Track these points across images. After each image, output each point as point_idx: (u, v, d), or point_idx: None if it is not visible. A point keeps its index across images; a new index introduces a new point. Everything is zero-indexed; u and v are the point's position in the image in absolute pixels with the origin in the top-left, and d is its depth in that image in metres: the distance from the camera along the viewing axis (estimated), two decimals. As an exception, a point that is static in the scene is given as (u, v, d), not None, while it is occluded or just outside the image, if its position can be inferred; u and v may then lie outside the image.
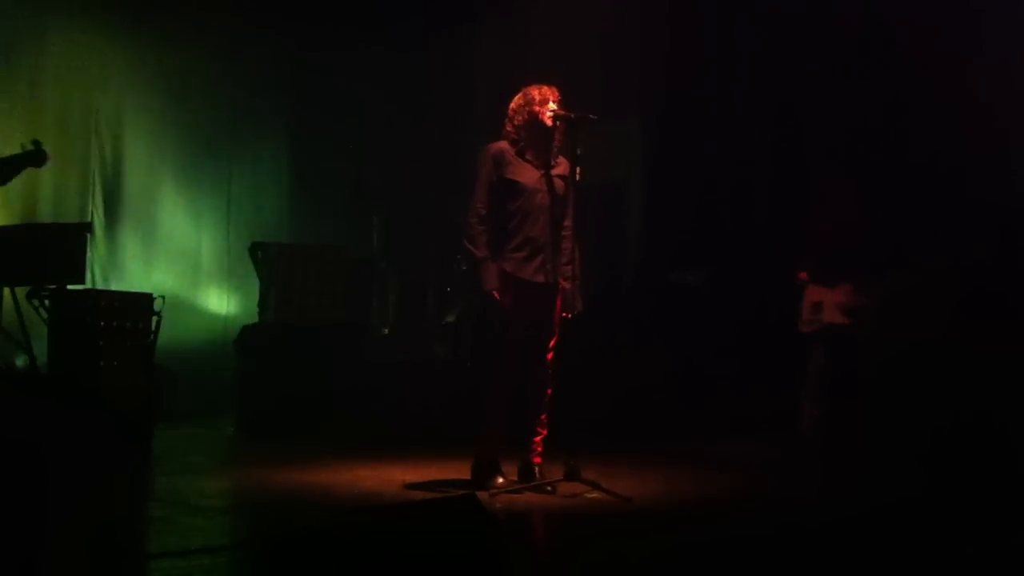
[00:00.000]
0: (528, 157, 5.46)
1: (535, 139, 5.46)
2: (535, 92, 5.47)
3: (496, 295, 5.35)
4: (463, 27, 9.59)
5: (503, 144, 5.49)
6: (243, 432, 7.56)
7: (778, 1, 8.24)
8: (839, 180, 7.15)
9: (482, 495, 4.65)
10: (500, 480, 5.41)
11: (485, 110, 6.95)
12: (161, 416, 6.94)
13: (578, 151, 5.41)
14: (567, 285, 5.44)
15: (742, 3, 8.44)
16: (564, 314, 5.44)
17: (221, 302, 9.34)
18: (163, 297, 6.85)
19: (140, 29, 8.94)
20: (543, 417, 5.51)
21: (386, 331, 9.11)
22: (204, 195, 9.32)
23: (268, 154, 9.80)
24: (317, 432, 7.12)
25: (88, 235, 7.37)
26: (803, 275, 7.00)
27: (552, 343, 5.48)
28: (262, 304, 8.14)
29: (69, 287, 6.78)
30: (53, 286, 6.72)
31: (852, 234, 6.96)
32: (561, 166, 5.52)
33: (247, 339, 7.92)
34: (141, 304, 6.76)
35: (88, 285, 7.64)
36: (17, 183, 7.99)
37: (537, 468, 5.50)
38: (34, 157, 6.80)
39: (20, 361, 7.35)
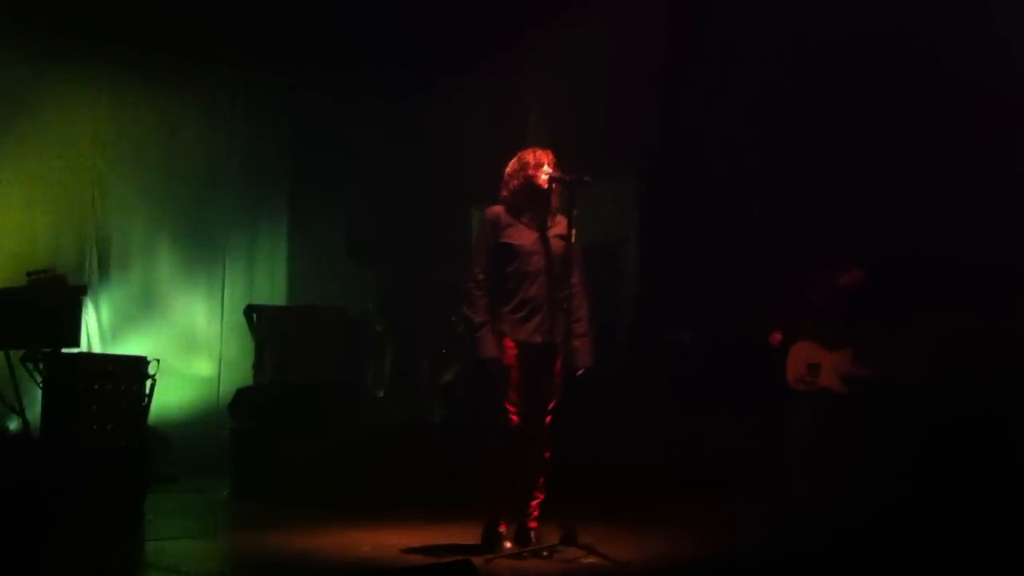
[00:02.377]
0: (525, 220, 5.50)
1: (531, 202, 5.50)
2: (529, 156, 5.52)
3: (496, 361, 5.34)
4: (457, 84, 9.68)
5: (499, 209, 5.54)
6: (237, 495, 7.50)
7: (771, 57, 8.34)
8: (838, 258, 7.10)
9: (477, 560, 4.61)
10: (508, 545, 5.36)
11: (478, 169, 7.01)
12: (154, 479, 6.88)
13: (573, 212, 5.46)
14: (576, 342, 5.42)
15: (735, 60, 8.52)
16: (578, 371, 5.41)
17: (215, 364, 9.30)
18: (158, 360, 6.84)
19: (136, 92, 9.01)
20: (541, 480, 5.47)
21: (380, 393, 9.06)
22: (199, 257, 9.31)
23: (263, 215, 9.82)
24: (312, 495, 7.07)
25: (83, 298, 7.36)
26: (777, 337, 6.98)
27: (552, 405, 5.45)
28: (257, 366, 8.12)
29: (64, 350, 6.76)
30: (48, 349, 6.70)
31: (850, 304, 6.92)
32: (559, 225, 5.54)
33: (242, 401, 7.89)
34: (135, 368, 6.74)
35: (83, 348, 7.62)
36: (12, 245, 8.05)
37: (533, 532, 5.45)
38: None
39: (13, 425, 7.32)
